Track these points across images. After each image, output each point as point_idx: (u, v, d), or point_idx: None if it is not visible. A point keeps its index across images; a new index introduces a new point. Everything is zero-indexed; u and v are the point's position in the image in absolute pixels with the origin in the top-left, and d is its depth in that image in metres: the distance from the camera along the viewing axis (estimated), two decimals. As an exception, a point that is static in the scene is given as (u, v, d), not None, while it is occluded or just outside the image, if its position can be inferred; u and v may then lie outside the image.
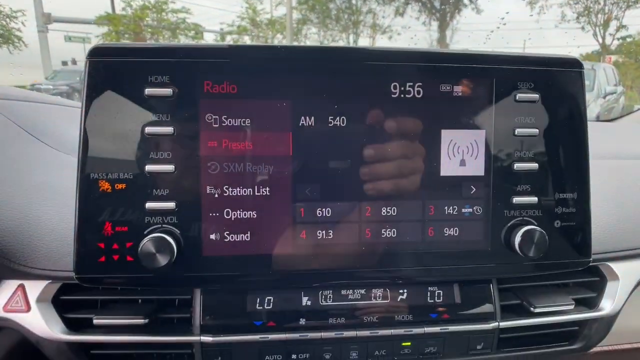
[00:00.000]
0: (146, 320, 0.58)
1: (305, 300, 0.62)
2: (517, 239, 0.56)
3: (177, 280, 0.55)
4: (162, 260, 0.51)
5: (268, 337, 0.59)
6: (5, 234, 0.57)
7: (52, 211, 0.61)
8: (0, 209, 0.58)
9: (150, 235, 0.51)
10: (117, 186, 0.52)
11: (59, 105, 0.87)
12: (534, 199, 0.58)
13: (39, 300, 0.60)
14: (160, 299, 0.62)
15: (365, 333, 0.61)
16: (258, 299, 0.61)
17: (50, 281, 0.60)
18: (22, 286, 0.60)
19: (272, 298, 0.61)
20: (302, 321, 0.61)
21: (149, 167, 0.52)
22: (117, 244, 0.53)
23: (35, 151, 0.67)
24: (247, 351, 0.61)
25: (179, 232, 0.53)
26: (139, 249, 0.51)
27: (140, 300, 0.62)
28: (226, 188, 0.54)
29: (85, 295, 0.61)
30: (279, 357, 0.61)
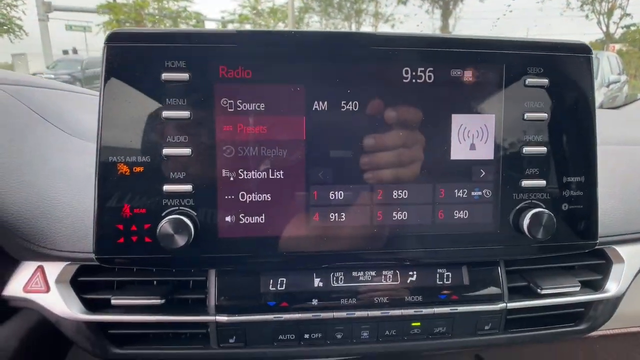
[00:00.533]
0: (162, 301, 0.60)
1: (317, 282, 0.63)
2: (526, 221, 0.58)
3: (194, 261, 0.57)
4: (180, 241, 0.52)
5: (282, 317, 0.61)
6: (26, 216, 0.59)
7: (70, 195, 0.62)
8: (21, 192, 0.59)
9: (169, 217, 0.53)
10: (135, 169, 0.54)
11: (69, 92, 0.88)
12: (542, 183, 0.59)
13: (58, 281, 0.62)
14: (175, 280, 0.63)
15: (376, 313, 0.62)
16: (271, 281, 0.63)
17: (68, 263, 0.61)
18: (41, 267, 0.62)
19: (284, 279, 0.63)
20: (315, 302, 0.62)
21: (166, 151, 0.53)
22: (136, 225, 0.54)
23: (52, 136, 0.69)
24: (261, 331, 0.62)
25: (195, 214, 0.55)
26: (158, 230, 0.52)
27: (155, 282, 0.63)
28: (241, 171, 0.55)
29: (102, 276, 0.63)
30: (292, 336, 0.63)
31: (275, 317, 0.61)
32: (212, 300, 0.62)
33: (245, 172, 0.56)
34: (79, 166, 0.66)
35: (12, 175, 0.60)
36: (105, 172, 0.53)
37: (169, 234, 0.52)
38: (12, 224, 0.58)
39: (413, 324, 0.65)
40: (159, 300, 0.60)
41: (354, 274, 0.64)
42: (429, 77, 0.57)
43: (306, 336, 0.63)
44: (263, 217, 0.57)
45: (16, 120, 0.66)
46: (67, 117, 0.75)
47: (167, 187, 0.54)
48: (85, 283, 0.63)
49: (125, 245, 0.55)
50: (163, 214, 0.54)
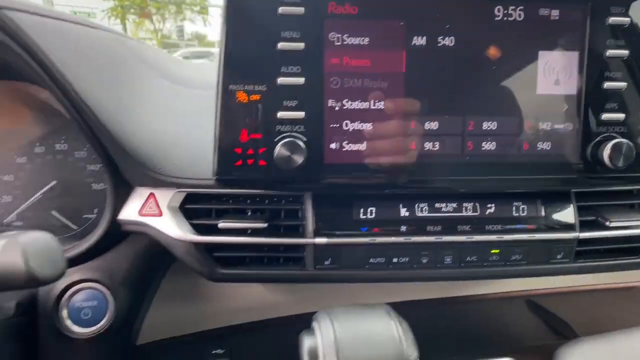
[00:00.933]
0: (266, 225, 0.66)
1: (403, 212, 0.69)
2: (606, 151, 0.62)
3: (302, 184, 0.62)
4: (298, 159, 0.57)
5: (376, 240, 0.66)
6: (142, 145, 0.64)
7: (178, 129, 0.68)
8: (138, 125, 0.65)
9: (284, 140, 0.58)
10: (252, 97, 0.59)
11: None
12: (621, 116, 0.63)
13: (169, 206, 0.67)
14: (274, 208, 0.69)
15: (461, 238, 0.67)
16: (362, 209, 0.68)
17: (177, 190, 0.67)
18: (153, 194, 0.68)
19: (374, 209, 0.68)
20: (403, 228, 0.68)
21: (280, 80, 0.58)
22: (252, 149, 0.60)
23: (155, 79, 0.74)
24: (354, 254, 0.68)
25: (305, 139, 0.60)
26: (275, 152, 0.58)
27: (249, 212, 0.69)
28: (346, 101, 0.60)
29: (205, 204, 0.69)
30: (382, 259, 0.68)
31: (370, 240, 0.66)
32: (310, 225, 0.67)
33: (349, 102, 0.60)
34: (183, 106, 0.71)
35: (130, 110, 0.66)
36: (226, 99, 0.59)
37: (286, 155, 0.57)
38: (131, 150, 0.63)
39: (492, 251, 0.70)
40: (263, 224, 0.65)
41: (437, 205, 0.69)
42: (519, 15, 0.61)
43: (394, 260, 0.68)
44: (364, 144, 0.61)
45: (124, 62, 0.71)
46: (160, 64, 0.81)
47: (280, 114, 0.59)
48: (190, 210, 0.68)
49: (242, 168, 0.60)
50: (276, 139, 0.59)
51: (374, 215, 0.68)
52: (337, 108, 0.60)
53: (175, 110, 0.70)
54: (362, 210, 0.68)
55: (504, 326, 1.04)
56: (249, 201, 0.69)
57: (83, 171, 0.79)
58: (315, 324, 0.55)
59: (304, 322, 0.54)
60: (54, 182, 0.77)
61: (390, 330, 0.52)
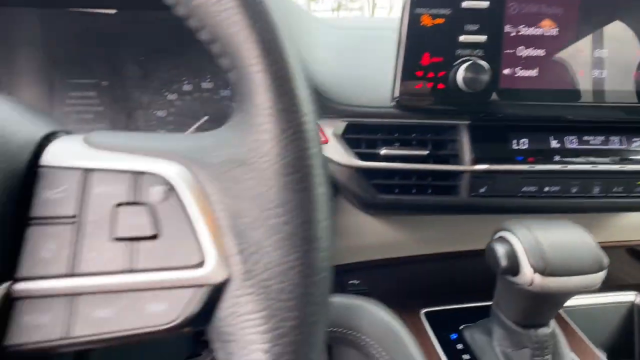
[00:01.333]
0: (427, 152, 0.69)
1: (554, 143, 0.71)
2: None
3: (476, 108, 0.65)
4: (483, 81, 0.60)
5: (534, 167, 0.69)
6: (315, 76, 0.67)
7: (339, 65, 0.71)
8: (318, 64, 0.68)
9: (469, 62, 0.60)
10: (437, 21, 0.61)
11: None
12: None
13: (334, 134, 0.70)
14: (433, 139, 0.71)
15: (614, 167, 0.70)
16: (516, 140, 0.71)
17: (341, 119, 0.70)
18: (317, 123, 0.71)
19: (527, 140, 0.71)
20: (556, 157, 0.70)
21: (465, 4, 0.61)
22: (432, 72, 0.62)
23: (314, 22, 0.77)
24: (508, 182, 0.70)
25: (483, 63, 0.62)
26: (460, 74, 0.60)
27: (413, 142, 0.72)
28: (522, 27, 0.63)
29: (366, 135, 0.72)
30: (534, 188, 0.71)
31: (529, 167, 0.69)
32: (467, 154, 0.70)
33: (525, 28, 0.63)
34: (340, 44, 0.74)
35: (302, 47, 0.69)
36: (411, 23, 0.61)
37: (472, 77, 0.60)
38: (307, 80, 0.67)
39: (638, 183, 0.72)
40: (425, 151, 0.68)
41: (585, 138, 0.72)
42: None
43: (546, 189, 0.71)
44: (536, 70, 0.64)
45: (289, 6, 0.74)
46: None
47: (463, 38, 0.62)
48: (351, 139, 0.71)
49: (421, 92, 0.63)
50: (455, 63, 0.62)
51: (526, 145, 0.71)
52: (513, 34, 0.63)
53: (332, 45, 0.73)
54: (515, 140, 0.71)
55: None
56: (408, 131, 0.72)
57: (228, 109, 0.82)
58: (505, 233, 0.58)
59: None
60: (205, 117, 0.80)
61: (585, 237, 0.56)
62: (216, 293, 0.27)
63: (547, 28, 0.63)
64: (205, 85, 0.82)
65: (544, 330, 0.60)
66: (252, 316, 0.26)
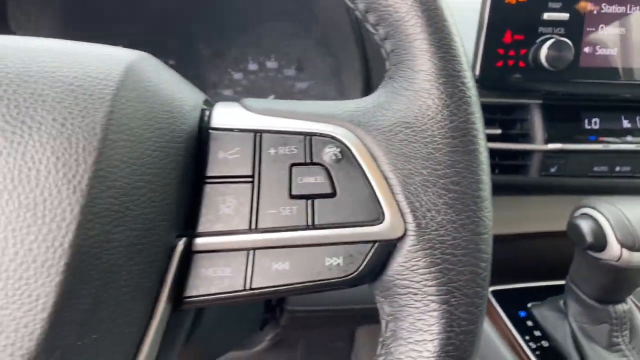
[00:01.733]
0: (499, 131, 0.69)
1: (625, 123, 0.71)
2: None
3: (558, 84, 0.65)
4: (567, 58, 0.60)
5: (608, 147, 0.69)
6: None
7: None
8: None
9: (552, 40, 0.61)
10: (521, -1, 0.61)
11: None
12: None
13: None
14: (503, 118, 0.72)
15: (687, 148, 0.70)
16: (587, 119, 0.71)
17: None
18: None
19: (598, 119, 0.71)
20: (629, 137, 0.71)
21: (549, -18, 0.61)
22: (514, 50, 0.63)
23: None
24: (580, 161, 0.71)
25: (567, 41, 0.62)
26: (543, 52, 0.61)
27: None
28: (604, 5, 0.63)
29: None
30: (605, 168, 0.71)
31: (603, 147, 0.69)
32: (539, 133, 0.70)
33: (606, 7, 0.63)
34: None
35: None
36: (494, 1, 0.61)
37: (556, 54, 0.60)
38: None
39: None
40: (497, 130, 0.69)
41: (658, 118, 0.72)
42: None
43: (617, 169, 0.71)
44: (616, 50, 0.64)
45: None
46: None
47: (546, 15, 0.62)
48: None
49: (502, 69, 0.63)
50: (538, 40, 0.62)
51: (598, 125, 0.71)
52: (595, 12, 0.63)
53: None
54: (587, 120, 0.71)
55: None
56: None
57: (292, 88, 0.83)
58: (588, 210, 0.58)
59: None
60: (272, 97, 0.81)
61: (672, 213, 0.56)
62: (392, 248, 0.28)
63: (630, 6, 0.63)
64: (270, 64, 0.83)
65: (623, 307, 0.60)
66: (430, 269, 0.27)
